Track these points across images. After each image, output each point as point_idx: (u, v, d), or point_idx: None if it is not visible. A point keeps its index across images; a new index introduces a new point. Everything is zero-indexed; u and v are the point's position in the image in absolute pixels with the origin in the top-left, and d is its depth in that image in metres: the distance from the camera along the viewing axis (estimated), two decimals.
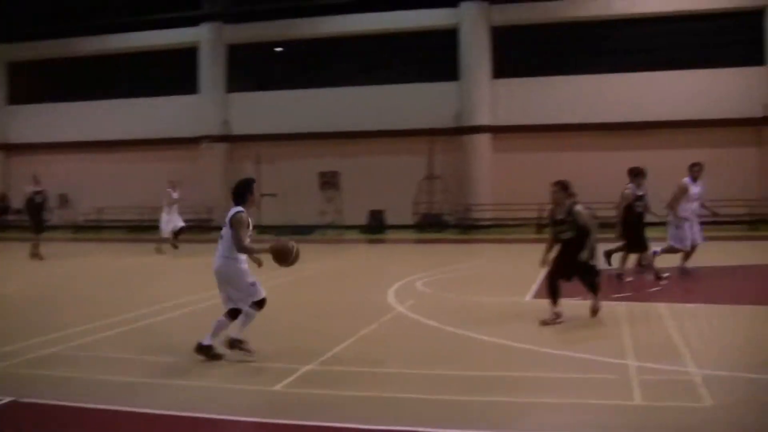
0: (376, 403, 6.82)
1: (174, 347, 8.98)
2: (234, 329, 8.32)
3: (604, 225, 25.22)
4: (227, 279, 8.39)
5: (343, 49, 33.65)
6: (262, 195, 30.40)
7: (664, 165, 27.41)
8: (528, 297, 12.53)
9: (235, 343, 8.31)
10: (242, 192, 8.49)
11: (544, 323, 10.01)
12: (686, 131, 29.23)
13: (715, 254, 15.32)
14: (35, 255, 20.16)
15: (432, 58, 32.82)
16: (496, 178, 30.88)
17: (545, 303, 10.28)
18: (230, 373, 7.87)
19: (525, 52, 32.18)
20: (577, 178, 31.63)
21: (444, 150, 31.27)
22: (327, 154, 32.26)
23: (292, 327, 10.39)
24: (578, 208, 10.20)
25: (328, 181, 31.00)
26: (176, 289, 14.25)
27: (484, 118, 31.08)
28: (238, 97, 34.01)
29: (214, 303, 9.10)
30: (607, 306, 10.80)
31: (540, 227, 28.10)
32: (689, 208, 14.44)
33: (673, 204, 14.37)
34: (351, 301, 12.68)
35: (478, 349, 8.87)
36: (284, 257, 8.29)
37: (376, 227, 30.41)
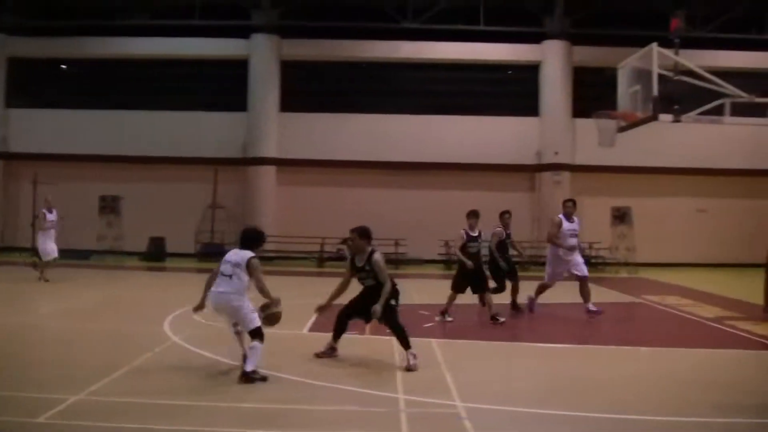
0: None
1: None
2: (248, 365, 8.73)
3: (386, 261, 25.73)
4: (236, 313, 9.07)
5: (133, 71, 32.71)
6: (36, 217, 29.00)
7: (445, 205, 28.73)
8: (305, 329, 12.50)
9: (249, 377, 8.68)
10: (255, 240, 9.48)
11: (318, 356, 10.14)
12: (466, 174, 30.68)
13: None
14: None
15: (221, 87, 32.54)
16: (280, 210, 30.98)
17: (322, 336, 10.42)
18: None
19: (314, 87, 32.60)
20: (358, 215, 32.37)
21: (229, 180, 31.00)
22: (109, 178, 31.14)
23: (61, 356, 10.03)
24: (377, 257, 9.97)
25: (109, 206, 29.94)
26: None
27: (270, 150, 31.22)
28: (17, 113, 32.24)
29: None
30: (379, 341, 11.09)
31: (322, 261, 28.60)
32: (566, 244, 14.90)
33: (552, 239, 14.95)
34: (125, 330, 12.27)
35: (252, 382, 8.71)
36: (272, 322, 9.22)
37: (156, 255, 29.66)
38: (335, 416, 7.51)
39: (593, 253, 28.44)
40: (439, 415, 7.49)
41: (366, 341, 11.39)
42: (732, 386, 9.08)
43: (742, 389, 8.95)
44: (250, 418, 7.36)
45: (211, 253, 29.79)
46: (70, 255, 27.25)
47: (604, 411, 7.74)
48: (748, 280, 20.84)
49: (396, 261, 28.02)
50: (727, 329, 13.41)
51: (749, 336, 12.79)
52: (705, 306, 16.85)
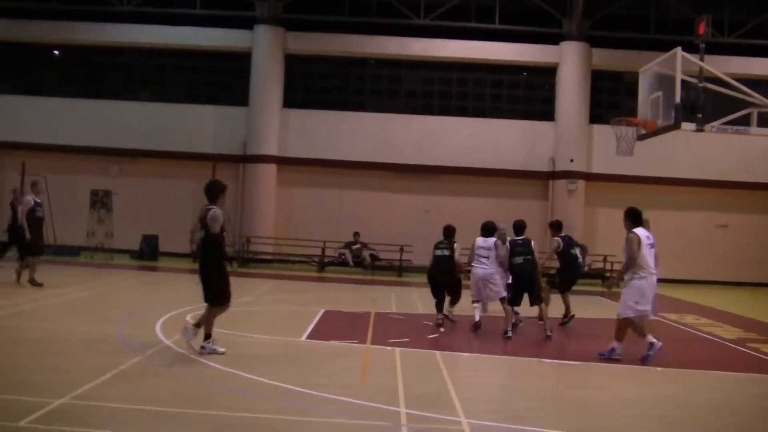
0: None
1: None
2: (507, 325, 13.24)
3: (387, 268, 25.10)
4: (491, 281, 13.59)
5: (130, 60, 31.93)
6: None
7: (453, 211, 27.88)
8: (303, 337, 12.15)
9: (506, 333, 13.07)
10: (492, 230, 13.93)
11: None
12: (475, 179, 29.81)
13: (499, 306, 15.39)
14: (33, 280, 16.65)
15: (222, 80, 31.73)
16: (280, 211, 30.16)
17: (320, 344, 10.77)
18: None
19: (318, 83, 31.89)
20: (362, 219, 31.58)
21: (227, 177, 29.51)
22: (101, 172, 30.26)
23: (45, 358, 9.51)
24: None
25: (100, 201, 28.90)
26: None
27: (271, 148, 30.22)
28: (4, 99, 31.06)
29: None
30: (383, 351, 11.10)
31: (322, 266, 27.66)
32: None
33: None
34: (114, 332, 11.68)
35: (246, 389, 8.44)
36: None
37: (148, 253, 28.64)
38: (333, 429, 7.27)
39: (608, 267, 27.40)
40: (442, 431, 7.33)
41: (367, 351, 11.17)
42: (756, 413, 8.92)
43: (752, 416, 8.75)
44: (242, 429, 7.03)
45: None
46: (59, 251, 26.47)
47: None
48: None
49: (400, 268, 27.44)
50: (750, 352, 12.96)
51: None
52: (725, 326, 16.44)
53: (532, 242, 13.63)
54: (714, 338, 14.47)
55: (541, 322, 13.81)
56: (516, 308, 13.86)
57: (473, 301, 13.91)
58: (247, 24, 30.47)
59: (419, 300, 18.16)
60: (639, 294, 10.95)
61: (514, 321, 13.86)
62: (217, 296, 9.99)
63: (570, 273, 15.25)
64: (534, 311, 14.27)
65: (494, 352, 12.20)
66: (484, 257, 13.55)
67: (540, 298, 13.65)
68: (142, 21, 30.68)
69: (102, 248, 27.85)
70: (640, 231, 11.01)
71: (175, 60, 31.70)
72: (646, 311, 11.07)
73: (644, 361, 10.99)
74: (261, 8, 30.20)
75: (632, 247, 10.88)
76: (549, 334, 13.22)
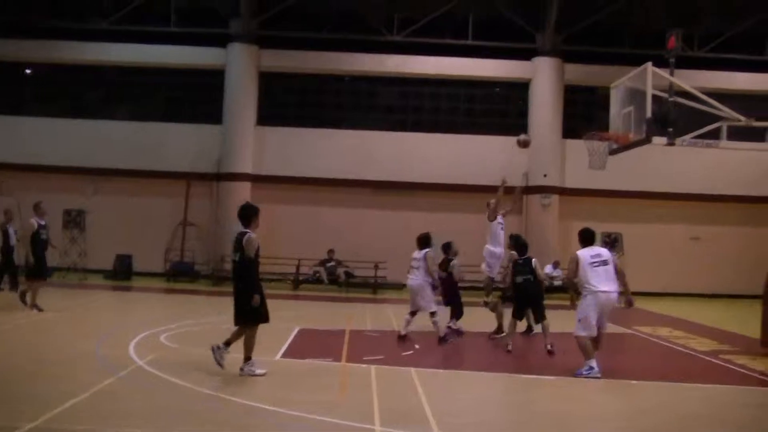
0: None
1: None
2: (440, 332, 13.89)
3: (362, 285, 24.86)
4: (420, 293, 14.00)
5: (102, 78, 31.61)
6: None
7: (428, 227, 27.68)
8: (278, 356, 12.14)
9: (444, 339, 13.81)
10: (426, 241, 14.42)
11: None
12: (450, 195, 29.65)
13: (474, 320, 15.66)
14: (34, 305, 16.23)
15: (196, 97, 31.55)
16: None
17: (295, 362, 10.88)
18: None
19: (293, 100, 31.85)
20: (337, 236, 31.35)
21: (201, 195, 29.92)
22: (73, 191, 29.66)
23: (15, 379, 9.50)
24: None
25: (73, 220, 28.69)
26: None
27: (245, 166, 30.09)
28: None
29: None
30: (358, 368, 11.10)
31: (297, 283, 27.52)
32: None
33: None
34: (87, 353, 11.59)
35: (219, 409, 8.42)
36: None
37: (122, 273, 28.44)
38: None
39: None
40: None
41: (342, 369, 11.17)
42: (726, 423, 8.95)
43: (737, 427, 8.85)
44: None
45: (180, 273, 28.67)
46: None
47: None
48: (743, 311, 21.12)
49: (375, 285, 27.40)
50: (722, 363, 13.06)
51: (745, 371, 12.42)
52: (698, 338, 16.53)
53: (534, 260, 13.69)
54: (688, 350, 14.53)
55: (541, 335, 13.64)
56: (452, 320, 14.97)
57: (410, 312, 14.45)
58: (221, 41, 30.29)
59: (394, 317, 18.04)
60: (582, 312, 11.11)
61: (460, 329, 14.95)
62: (255, 316, 10.32)
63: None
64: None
65: (470, 367, 12.25)
66: (415, 268, 14.16)
67: (543, 316, 13.52)
68: (114, 39, 30.30)
69: (75, 268, 27.65)
70: (583, 251, 11.15)
71: (148, 78, 31.33)
72: (588, 328, 11.06)
73: (576, 373, 11.09)
74: (235, 25, 30.06)
75: (570, 266, 11.20)
76: (550, 349, 13.05)
